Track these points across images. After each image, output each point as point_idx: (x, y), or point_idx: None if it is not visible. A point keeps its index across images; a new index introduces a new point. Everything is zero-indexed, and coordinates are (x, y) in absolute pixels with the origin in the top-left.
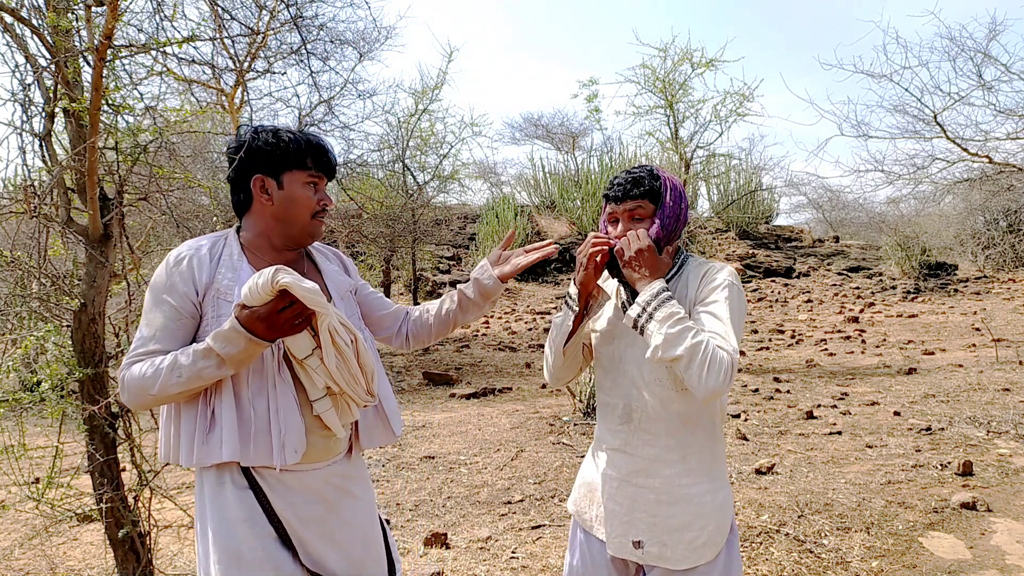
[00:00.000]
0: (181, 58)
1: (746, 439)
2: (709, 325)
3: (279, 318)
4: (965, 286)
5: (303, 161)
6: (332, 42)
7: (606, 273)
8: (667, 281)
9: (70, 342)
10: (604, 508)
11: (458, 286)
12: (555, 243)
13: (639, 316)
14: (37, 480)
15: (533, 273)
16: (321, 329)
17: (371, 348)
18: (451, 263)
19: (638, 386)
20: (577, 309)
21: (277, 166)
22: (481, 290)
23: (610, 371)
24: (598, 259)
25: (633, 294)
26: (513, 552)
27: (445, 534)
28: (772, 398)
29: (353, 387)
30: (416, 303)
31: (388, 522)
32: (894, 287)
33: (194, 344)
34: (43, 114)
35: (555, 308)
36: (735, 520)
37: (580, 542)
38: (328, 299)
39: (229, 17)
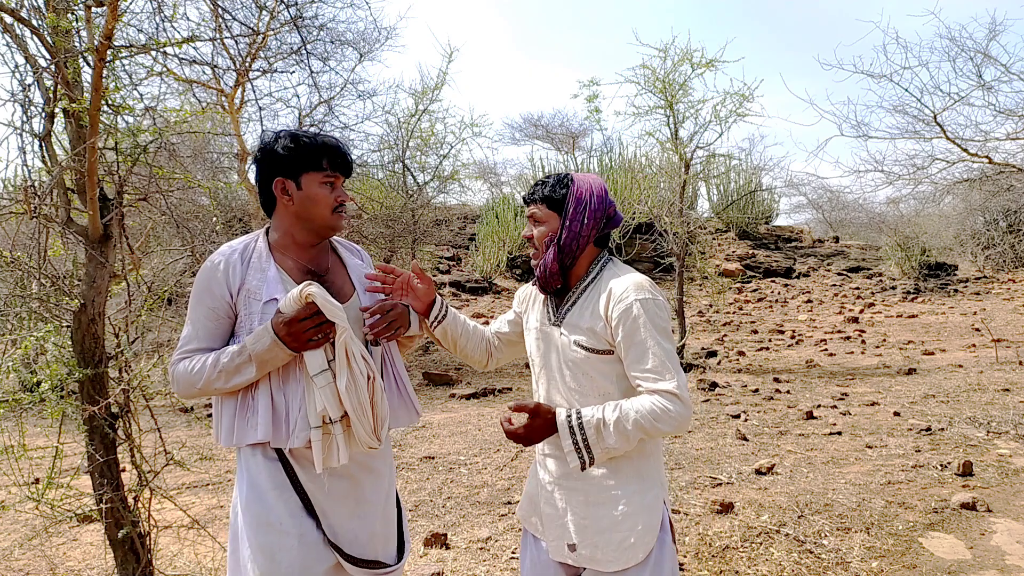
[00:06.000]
0: (181, 58)
1: (746, 439)
2: (641, 364)
3: (300, 326)
4: (965, 286)
5: (319, 162)
6: (332, 42)
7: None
8: (582, 290)
9: (70, 342)
10: (542, 513)
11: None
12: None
13: (582, 460)
14: (37, 480)
15: (532, 273)
16: (338, 344)
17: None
18: (451, 263)
19: (560, 390)
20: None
21: (295, 168)
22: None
23: (539, 377)
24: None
25: (556, 306)
26: (513, 552)
27: (445, 534)
28: (772, 398)
29: (360, 416)
30: None
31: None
32: (894, 287)
33: (232, 344)
34: (43, 114)
35: None
36: (668, 517)
37: (529, 547)
38: (352, 291)
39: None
